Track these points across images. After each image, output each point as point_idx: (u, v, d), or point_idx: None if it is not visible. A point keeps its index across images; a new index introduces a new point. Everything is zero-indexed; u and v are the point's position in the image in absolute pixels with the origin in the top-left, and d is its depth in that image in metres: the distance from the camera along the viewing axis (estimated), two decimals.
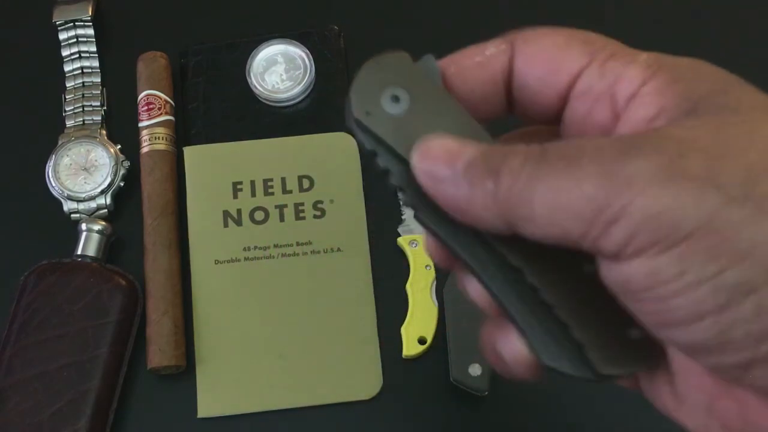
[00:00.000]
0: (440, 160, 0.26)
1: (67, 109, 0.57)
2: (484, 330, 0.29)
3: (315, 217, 0.54)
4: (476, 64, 0.29)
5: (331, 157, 0.56)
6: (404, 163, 0.28)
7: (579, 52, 0.28)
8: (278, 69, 0.57)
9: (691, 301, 0.23)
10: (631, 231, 0.23)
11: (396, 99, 0.28)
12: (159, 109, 0.56)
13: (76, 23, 0.58)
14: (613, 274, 0.24)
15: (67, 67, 0.58)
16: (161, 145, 0.55)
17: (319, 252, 0.54)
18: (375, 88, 0.29)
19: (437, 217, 0.27)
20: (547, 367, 0.27)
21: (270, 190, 0.55)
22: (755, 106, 0.25)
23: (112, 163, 0.55)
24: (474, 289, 0.28)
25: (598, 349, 0.26)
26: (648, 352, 0.27)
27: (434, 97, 0.28)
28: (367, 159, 0.29)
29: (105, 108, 0.57)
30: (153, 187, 0.54)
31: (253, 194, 0.55)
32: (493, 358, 0.29)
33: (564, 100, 0.28)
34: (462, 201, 0.26)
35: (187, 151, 0.56)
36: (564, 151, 0.24)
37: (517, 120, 0.31)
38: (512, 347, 0.28)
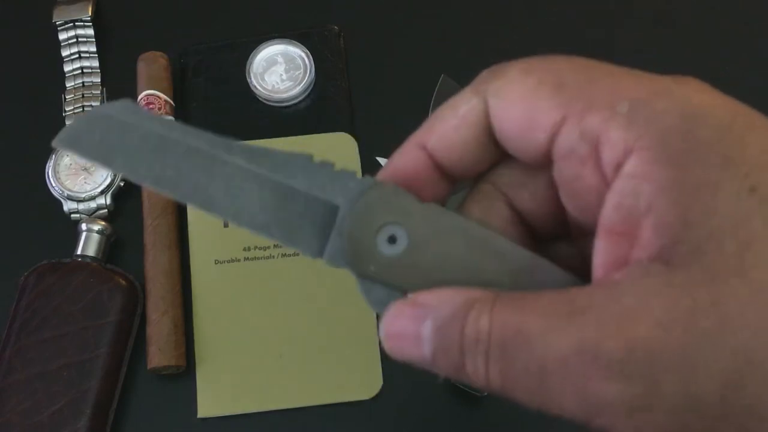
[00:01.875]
0: (407, 347, 0.26)
1: (67, 109, 0.57)
2: None
3: None
4: (453, 129, 0.28)
5: (331, 157, 0.55)
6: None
7: (550, 105, 0.25)
8: (278, 69, 0.57)
9: None
10: None
11: (393, 239, 0.26)
12: (159, 109, 0.56)
13: (76, 23, 0.58)
14: None
15: (67, 67, 0.58)
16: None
17: None
18: (371, 230, 0.26)
19: None
20: None
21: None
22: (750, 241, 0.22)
23: None
24: None
25: None
26: None
27: (432, 224, 0.26)
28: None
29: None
30: None
31: None
32: None
33: (548, 156, 0.26)
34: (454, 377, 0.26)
35: None
36: (535, 347, 0.24)
37: None
38: None
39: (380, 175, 0.28)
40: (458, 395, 0.51)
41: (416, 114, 0.57)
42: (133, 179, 0.28)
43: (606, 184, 0.25)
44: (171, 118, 0.57)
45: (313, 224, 0.27)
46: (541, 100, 0.26)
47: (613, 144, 0.24)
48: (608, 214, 0.24)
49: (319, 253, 0.27)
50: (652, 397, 0.22)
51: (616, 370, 0.22)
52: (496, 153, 0.28)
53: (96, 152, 0.28)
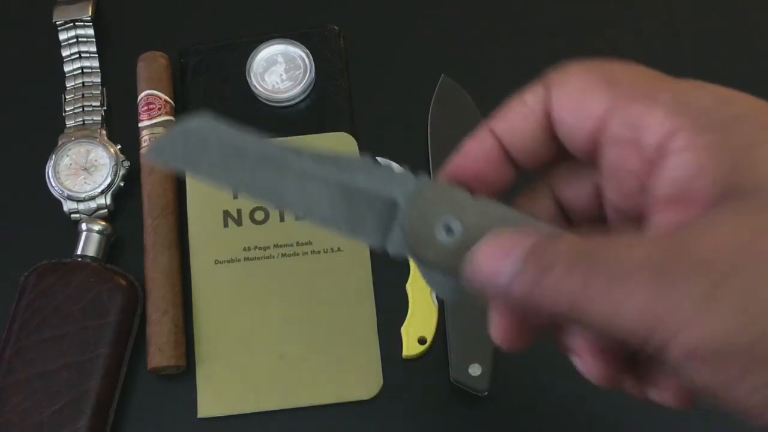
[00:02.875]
0: (490, 275, 0.27)
1: (67, 109, 0.57)
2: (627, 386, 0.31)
3: None
4: (520, 115, 0.31)
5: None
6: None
7: (600, 96, 0.28)
8: (278, 69, 0.57)
9: (757, 402, 0.25)
10: (682, 354, 0.24)
11: (449, 229, 0.29)
12: (159, 109, 0.56)
13: (76, 23, 0.58)
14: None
15: (67, 67, 0.58)
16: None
17: (319, 252, 0.54)
18: (429, 222, 0.30)
19: None
20: None
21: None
22: None
23: (112, 163, 0.55)
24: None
25: None
26: None
27: (483, 215, 0.30)
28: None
29: (105, 108, 0.57)
30: (153, 187, 0.54)
31: None
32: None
33: (595, 144, 0.29)
34: (519, 308, 0.28)
35: None
36: (613, 259, 0.25)
37: None
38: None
39: (456, 159, 0.31)
40: (458, 395, 0.51)
41: (416, 114, 0.57)
42: (216, 184, 0.32)
43: (648, 168, 0.27)
44: (171, 118, 0.56)
45: (376, 218, 0.31)
46: (594, 92, 0.29)
47: (653, 128, 0.27)
48: (664, 189, 0.27)
49: (382, 243, 0.31)
50: (717, 292, 0.24)
51: (685, 273, 0.24)
52: (553, 147, 0.31)
53: (181, 163, 0.32)
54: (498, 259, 0.27)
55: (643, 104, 0.27)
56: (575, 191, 0.32)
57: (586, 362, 0.30)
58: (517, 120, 0.31)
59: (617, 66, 0.30)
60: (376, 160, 0.31)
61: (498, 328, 0.31)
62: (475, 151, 0.31)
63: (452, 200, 0.30)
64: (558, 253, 0.26)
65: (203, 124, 0.32)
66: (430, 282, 0.31)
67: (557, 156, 0.31)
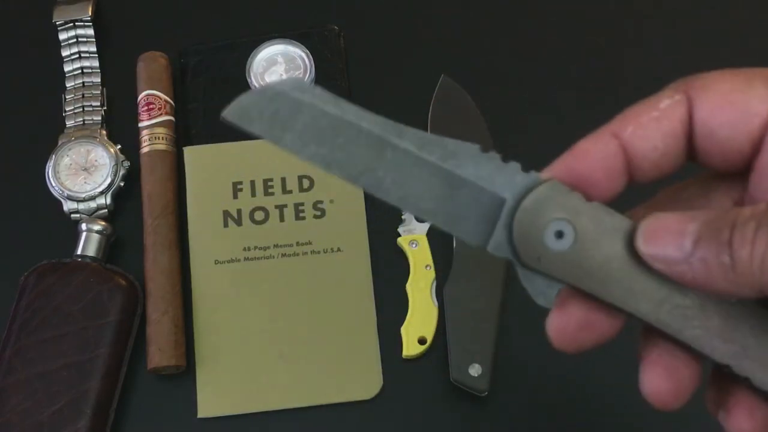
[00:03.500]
0: (666, 243, 0.26)
1: (67, 109, 0.57)
2: (708, 399, 0.29)
3: (315, 217, 0.54)
4: (653, 120, 0.28)
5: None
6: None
7: (763, 92, 0.27)
8: (278, 69, 0.57)
9: None
10: None
11: (560, 234, 0.27)
12: (159, 109, 0.56)
13: (76, 23, 0.58)
14: None
15: (67, 67, 0.58)
16: (161, 145, 0.55)
17: (319, 252, 0.54)
18: (539, 225, 0.28)
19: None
20: None
21: (270, 190, 0.55)
22: None
23: (112, 163, 0.55)
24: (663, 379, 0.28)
25: None
26: None
27: (598, 223, 0.28)
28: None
29: (105, 108, 0.57)
30: (153, 187, 0.54)
31: (253, 194, 0.55)
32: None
33: (757, 145, 0.27)
34: (701, 279, 0.25)
35: (187, 151, 0.56)
36: None
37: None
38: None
39: (569, 159, 0.29)
40: (458, 395, 0.51)
41: (416, 114, 0.57)
42: (300, 157, 0.29)
43: None
44: (171, 118, 0.56)
45: (478, 214, 0.28)
46: (754, 88, 0.27)
47: None
48: None
49: (484, 242, 0.28)
50: None
51: None
52: (682, 158, 0.29)
53: (265, 127, 0.29)
54: (672, 235, 0.26)
55: None
56: (715, 205, 0.29)
57: (650, 377, 0.28)
58: (648, 126, 0.28)
59: (760, 69, 0.28)
60: (481, 147, 0.29)
61: (564, 320, 0.28)
62: (594, 154, 0.28)
63: (566, 203, 0.27)
64: (741, 217, 0.25)
65: (296, 87, 0.29)
66: (530, 288, 0.29)
67: (679, 169, 0.29)
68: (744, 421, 0.28)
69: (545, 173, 0.28)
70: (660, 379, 0.28)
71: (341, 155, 0.29)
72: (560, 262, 0.27)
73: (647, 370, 0.28)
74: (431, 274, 0.53)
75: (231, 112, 0.30)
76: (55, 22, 0.58)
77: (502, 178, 0.28)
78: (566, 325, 0.28)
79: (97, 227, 0.53)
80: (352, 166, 0.29)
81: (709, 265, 0.25)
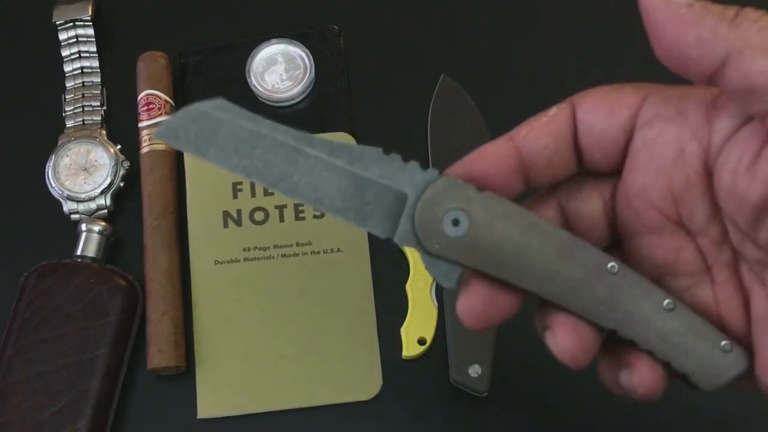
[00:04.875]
0: None
1: (67, 109, 0.57)
2: (602, 368, 0.33)
3: (315, 217, 0.54)
4: (543, 123, 0.32)
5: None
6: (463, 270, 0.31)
7: (634, 91, 0.31)
8: (278, 69, 0.57)
9: None
10: None
11: (456, 222, 0.31)
12: (159, 109, 0.56)
13: (76, 23, 0.58)
14: None
15: (67, 67, 0.58)
16: (161, 145, 0.55)
17: (319, 252, 0.54)
18: (437, 215, 0.31)
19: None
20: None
21: (270, 191, 0.55)
22: None
23: (112, 163, 0.55)
24: (568, 337, 0.31)
25: (698, 373, 0.31)
26: (740, 355, 0.30)
27: (489, 209, 0.31)
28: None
29: (105, 108, 0.57)
30: (153, 187, 0.54)
31: (253, 194, 0.55)
32: (616, 390, 0.32)
33: (629, 133, 0.31)
34: (687, 22, 0.28)
35: None
36: None
37: None
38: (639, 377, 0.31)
39: (469, 158, 0.32)
40: (458, 395, 0.51)
41: (416, 114, 0.57)
42: (225, 168, 0.32)
43: (693, 134, 0.29)
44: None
45: (385, 210, 0.32)
46: (623, 89, 0.31)
47: (696, 101, 0.30)
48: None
49: (391, 234, 0.32)
50: None
51: None
52: (571, 160, 0.32)
53: (191, 145, 0.33)
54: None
55: (677, 90, 0.30)
56: (587, 205, 0.33)
57: (560, 338, 0.31)
58: (539, 130, 0.32)
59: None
60: (383, 151, 0.32)
61: (470, 300, 0.31)
62: (490, 155, 0.32)
63: (460, 194, 0.31)
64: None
65: (217, 107, 0.32)
66: (434, 272, 0.32)
67: (569, 174, 0.32)
68: (569, 339, 0.31)
69: (445, 171, 0.32)
70: (571, 337, 0.31)
71: (259, 164, 0.32)
72: (458, 247, 0.31)
73: (557, 332, 0.31)
74: None
75: (161, 133, 0.33)
76: (55, 21, 0.58)
77: (404, 176, 0.32)
78: (473, 304, 0.31)
79: (97, 227, 0.53)
80: (270, 174, 0.32)
81: (710, 10, 0.28)
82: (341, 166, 0.32)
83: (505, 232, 0.30)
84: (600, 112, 0.31)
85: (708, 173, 0.29)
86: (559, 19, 0.60)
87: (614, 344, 0.32)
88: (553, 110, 0.32)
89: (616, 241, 0.33)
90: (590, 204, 0.33)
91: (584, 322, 0.31)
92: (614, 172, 0.32)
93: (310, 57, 0.57)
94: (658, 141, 0.30)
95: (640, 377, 0.31)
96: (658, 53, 0.29)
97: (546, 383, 0.51)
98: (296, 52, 0.57)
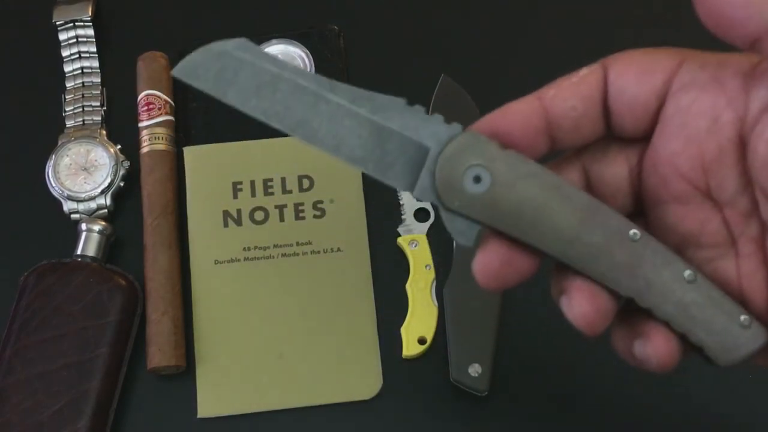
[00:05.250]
0: None
1: (67, 109, 0.57)
2: (617, 337, 0.32)
3: (315, 217, 0.54)
4: (572, 84, 0.31)
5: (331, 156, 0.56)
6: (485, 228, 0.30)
7: (669, 55, 0.30)
8: None
9: None
10: None
11: (477, 179, 0.30)
12: (159, 109, 0.56)
13: (76, 23, 0.58)
14: None
15: (67, 68, 0.58)
16: (161, 145, 0.55)
17: (319, 252, 0.54)
18: (459, 170, 0.30)
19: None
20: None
21: (270, 190, 0.55)
22: None
23: (112, 163, 0.55)
24: (586, 303, 0.30)
25: (715, 347, 0.30)
26: (759, 331, 0.30)
27: (512, 168, 0.30)
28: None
29: (105, 108, 0.57)
30: (153, 187, 0.54)
31: (253, 194, 0.55)
32: (630, 360, 0.31)
33: (661, 98, 0.30)
34: None
35: (187, 151, 0.56)
36: None
37: None
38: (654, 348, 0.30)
39: (494, 115, 0.31)
40: (458, 395, 0.51)
41: None
42: (243, 110, 0.31)
43: (730, 102, 0.28)
44: (171, 118, 0.57)
45: (406, 162, 0.31)
46: (659, 53, 0.30)
47: (735, 67, 0.29)
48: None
49: (410, 187, 0.31)
50: None
51: None
52: (599, 123, 0.31)
53: (211, 84, 0.32)
54: None
55: (717, 57, 0.29)
56: (612, 170, 0.32)
57: (577, 302, 0.30)
58: (568, 89, 0.31)
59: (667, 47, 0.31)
60: (409, 103, 0.32)
61: (487, 259, 0.30)
62: (516, 113, 0.31)
63: (483, 151, 0.30)
64: None
65: (239, 46, 0.32)
66: (452, 228, 0.31)
67: (596, 138, 0.32)
68: (585, 305, 0.30)
69: (470, 127, 0.31)
70: (586, 303, 0.30)
71: (279, 108, 0.31)
72: (478, 205, 0.30)
73: (575, 296, 0.30)
74: (431, 274, 0.53)
75: (180, 70, 0.32)
76: (55, 22, 0.58)
77: (427, 129, 0.31)
78: (489, 263, 0.30)
79: (97, 227, 0.53)
80: (289, 118, 0.31)
81: None
82: (363, 115, 0.31)
83: (527, 192, 0.30)
84: (633, 75, 0.30)
85: (742, 143, 0.28)
86: (559, 19, 0.60)
87: (630, 313, 0.31)
88: (584, 71, 0.31)
89: (639, 209, 0.32)
90: (616, 169, 0.32)
91: (602, 288, 0.30)
92: (643, 137, 0.31)
93: (310, 57, 0.57)
94: (692, 108, 0.29)
95: (654, 347, 0.30)
96: (701, 12, 0.27)
97: (546, 383, 0.51)
98: (296, 52, 0.57)
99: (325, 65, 0.58)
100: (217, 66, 0.32)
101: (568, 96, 0.31)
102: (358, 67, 0.59)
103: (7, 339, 0.50)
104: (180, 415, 0.51)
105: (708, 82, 0.29)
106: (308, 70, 0.57)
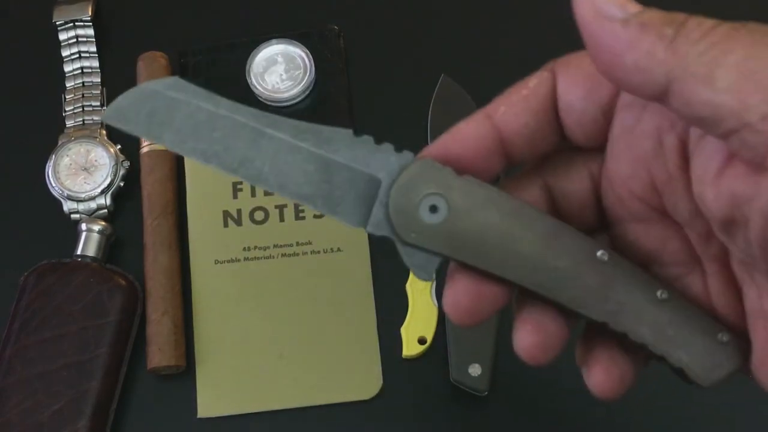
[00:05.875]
0: (611, 2, 0.26)
1: (67, 109, 0.57)
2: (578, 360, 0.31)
3: (315, 217, 0.54)
4: (523, 98, 0.29)
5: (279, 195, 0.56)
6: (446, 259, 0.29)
7: None
8: (278, 69, 0.57)
9: None
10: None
11: (434, 208, 0.29)
12: None
13: (76, 23, 0.58)
14: (735, 185, 0.24)
15: (67, 68, 0.58)
16: (161, 145, 0.55)
17: (319, 252, 0.54)
18: (413, 201, 0.29)
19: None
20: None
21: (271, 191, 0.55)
22: None
23: (112, 163, 0.55)
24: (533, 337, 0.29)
25: (695, 367, 0.29)
26: (738, 348, 0.28)
27: (470, 195, 0.29)
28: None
29: (105, 108, 0.57)
30: (153, 187, 0.54)
31: (253, 194, 0.55)
32: None
33: (608, 114, 0.28)
34: (623, 43, 0.25)
35: None
36: (757, 31, 0.23)
37: None
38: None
39: (444, 139, 0.30)
40: (458, 395, 0.51)
41: (416, 114, 0.57)
42: (181, 153, 0.30)
43: (672, 123, 0.26)
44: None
45: (356, 196, 0.29)
46: None
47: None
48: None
49: (362, 223, 0.29)
50: None
51: None
52: (554, 135, 0.29)
53: (144, 127, 0.30)
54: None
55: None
56: (575, 185, 0.30)
57: (519, 335, 0.29)
58: (518, 105, 0.29)
59: None
60: (354, 132, 0.31)
61: (454, 296, 0.29)
62: (468, 135, 0.29)
63: (438, 179, 0.29)
64: (691, 17, 0.24)
65: (170, 86, 0.30)
66: (410, 263, 0.29)
67: (553, 148, 0.30)
68: (601, 376, 0.29)
69: (421, 153, 0.29)
70: (530, 335, 0.29)
71: (219, 148, 0.29)
72: (436, 235, 0.28)
73: (518, 327, 0.29)
74: None
75: (109, 115, 0.30)
76: (55, 22, 0.58)
77: (377, 159, 0.29)
78: (458, 300, 0.29)
79: (97, 227, 0.53)
80: (230, 158, 0.29)
81: (643, 32, 0.24)
82: (307, 149, 0.29)
83: (487, 219, 0.28)
84: (580, 89, 0.28)
85: (688, 168, 0.27)
86: (559, 19, 0.60)
87: (592, 338, 0.30)
88: (533, 81, 0.29)
89: (606, 223, 0.31)
90: (579, 183, 0.30)
91: (551, 318, 0.29)
92: (601, 148, 0.29)
93: (310, 57, 0.57)
94: (637, 129, 0.28)
95: (593, 379, 0.29)
96: (600, 71, 0.26)
97: (546, 383, 0.51)
98: (296, 52, 0.57)
99: (325, 65, 0.58)
100: (148, 108, 0.30)
101: (519, 112, 0.29)
102: (358, 67, 0.59)
103: (7, 339, 0.50)
104: (180, 415, 0.51)
105: (651, 102, 0.27)
106: (308, 70, 0.57)
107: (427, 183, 0.29)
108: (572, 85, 0.29)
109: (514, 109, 0.29)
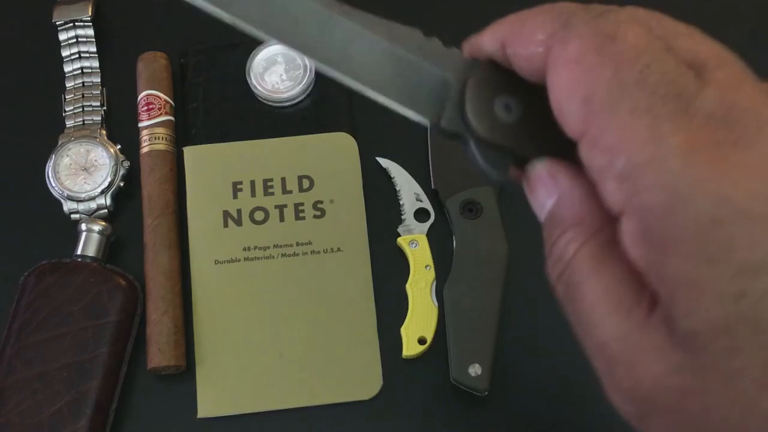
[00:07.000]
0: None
1: (67, 109, 0.57)
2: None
3: (315, 217, 0.54)
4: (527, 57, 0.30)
5: (331, 157, 0.56)
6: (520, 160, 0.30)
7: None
8: (278, 69, 0.57)
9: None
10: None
11: (508, 108, 0.29)
12: (159, 109, 0.56)
13: (76, 23, 0.58)
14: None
15: (67, 68, 0.58)
16: (161, 145, 0.55)
17: (319, 252, 0.54)
18: (488, 100, 0.30)
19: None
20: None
21: (270, 190, 0.55)
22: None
23: (112, 163, 0.55)
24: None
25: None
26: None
27: (539, 96, 0.29)
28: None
29: (105, 108, 0.57)
30: (153, 187, 0.54)
31: (253, 194, 0.55)
32: None
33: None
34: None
35: (187, 151, 0.56)
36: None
37: None
38: None
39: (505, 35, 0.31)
40: (458, 395, 0.51)
41: None
42: (246, 27, 0.30)
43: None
44: (171, 118, 0.57)
45: (429, 92, 0.30)
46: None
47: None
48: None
49: (437, 118, 0.30)
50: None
51: None
52: None
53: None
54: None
55: None
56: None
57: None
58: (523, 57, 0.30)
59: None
60: (423, 33, 0.31)
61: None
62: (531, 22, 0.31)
63: (509, 80, 0.29)
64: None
65: None
66: (484, 161, 0.30)
67: None
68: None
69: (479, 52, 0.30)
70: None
71: (290, 29, 0.30)
72: (510, 133, 0.29)
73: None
74: (431, 274, 0.53)
75: None
76: (55, 22, 0.58)
77: (448, 60, 0.30)
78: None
79: (97, 227, 0.53)
80: (301, 40, 0.30)
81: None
82: (381, 41, 0.30)
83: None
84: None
85: None
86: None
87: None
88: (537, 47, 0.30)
89: None
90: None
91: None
92: None
93: None
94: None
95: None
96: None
97: (546, 383, 0.51)
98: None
99: None
100: None
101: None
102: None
103: (7, 339, 0.50)
104: (180, 415, 0.51)
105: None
106: (308, 70, 0.57)
107: (501, 84, 0.29)
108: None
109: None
